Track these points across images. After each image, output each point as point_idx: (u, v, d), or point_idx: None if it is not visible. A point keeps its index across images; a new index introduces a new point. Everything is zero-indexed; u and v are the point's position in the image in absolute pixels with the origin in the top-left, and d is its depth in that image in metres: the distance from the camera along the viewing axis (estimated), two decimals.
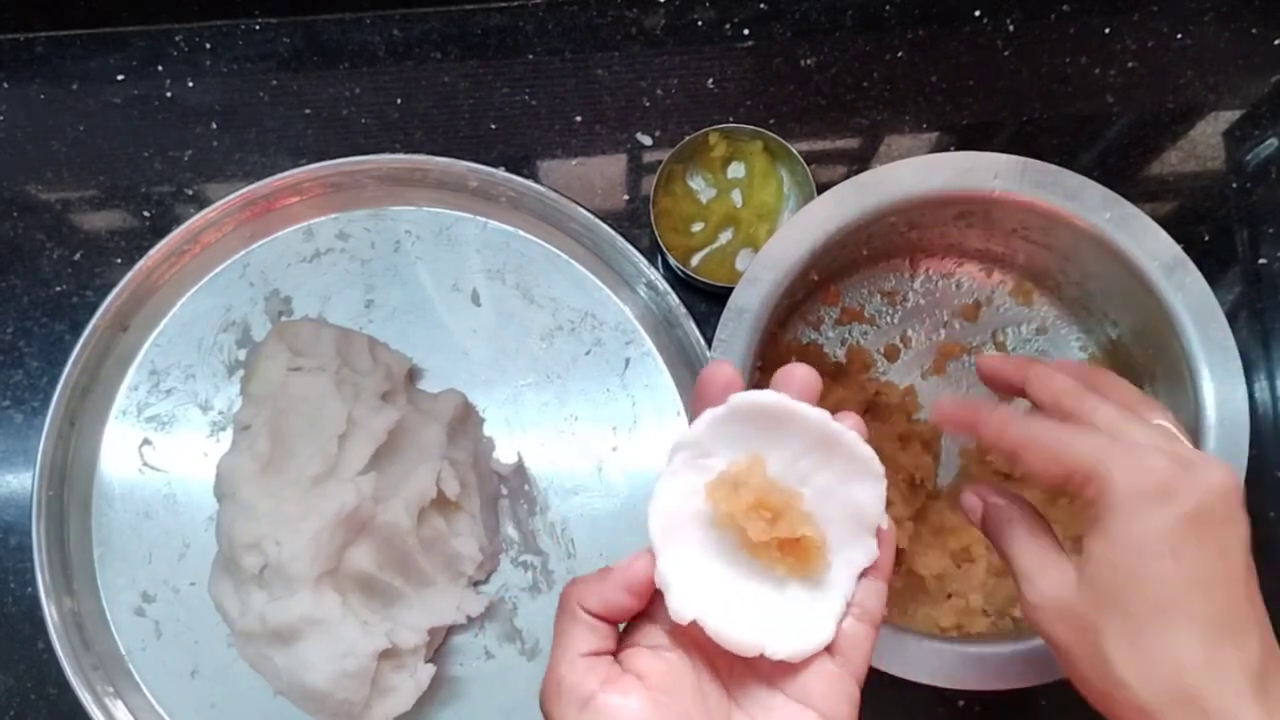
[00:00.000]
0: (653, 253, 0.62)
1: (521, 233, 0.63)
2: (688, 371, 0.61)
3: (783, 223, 0.63)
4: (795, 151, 0.61)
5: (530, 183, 0.61)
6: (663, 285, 0.60)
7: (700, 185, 0.64)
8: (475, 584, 0.59)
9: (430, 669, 0.55)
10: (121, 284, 0.60)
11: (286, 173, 0.61)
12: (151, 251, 0.60)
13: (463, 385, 0.61)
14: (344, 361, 0.57)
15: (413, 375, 0.61)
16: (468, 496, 0.58)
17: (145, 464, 0.60)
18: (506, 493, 0.61)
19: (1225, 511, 0.36)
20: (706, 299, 0.62)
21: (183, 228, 0.60)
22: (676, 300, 0.60)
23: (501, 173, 0.61)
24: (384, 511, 0.54)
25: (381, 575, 0.54)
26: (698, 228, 0.63)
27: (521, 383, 0.62)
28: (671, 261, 0.60)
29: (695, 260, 0.63)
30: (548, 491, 0.60)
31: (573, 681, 0.34)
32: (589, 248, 0.62)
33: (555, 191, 0.61)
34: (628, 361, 0.62)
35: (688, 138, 0.61)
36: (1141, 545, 0.34)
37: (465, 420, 0.60)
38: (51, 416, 0.58)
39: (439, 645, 0.58)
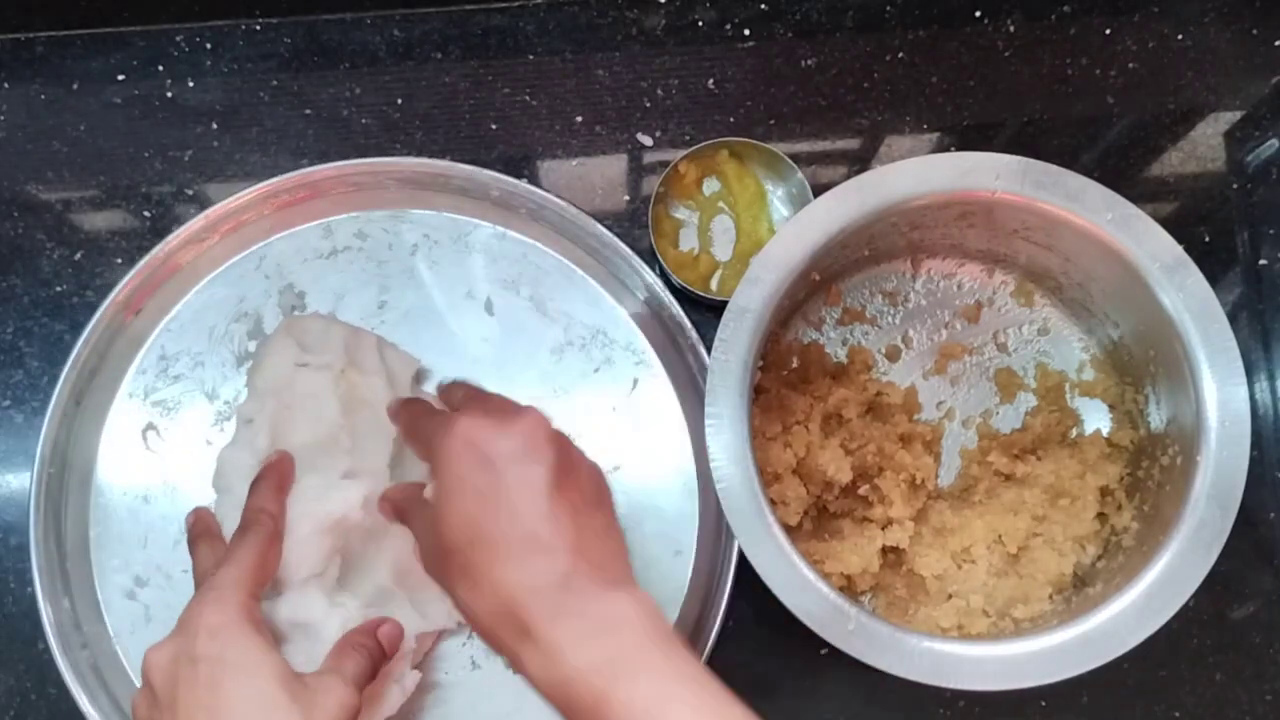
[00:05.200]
0: (665, 273, 0.62)
1: (539, 245, 0.62)
2: (694, 395, 0.60)
3: (776, 212, 0.63)
4: (759, 144, 0.61)
5: (550, 195, 0.61)
6: (677, 309, 0.59)
7: (684, 214, 0.64)
8: None
9: (416, 675, 0.54)
10: (139, 266, 0.59)
11: (310, 169, 0.61)
12: (169, 238, 0.60)
13: None
14: (351, 360, 0.57)
15: (420, 378, 0.61)
16: None
17: (148, 448, 0.60)
18: None
19: (522, 453, 0.42)
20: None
21: (200, 217, 0.60)
22: (689, 324, 0.59)
23: (524, 184, 0.61)
24: (380, 516, 0.54)
25: (374, 579, 0.54)
26: (702, 256, 0.63)
27: (528, 395, 0.60)
28: (692, 292, 0.60)
29: (714, 284, 0.63)
30: None
31: None
32: (605, 265, 0.62)
33: (575, 206, 0.60)
34: (635, 382, 0.61)
35: (660, 176, 0.61)
36: (455, 488, 0.40)
37: None
38: (58, 394, 0.58)
39: (428, 650, 0.58)
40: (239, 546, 0.50)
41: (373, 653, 0.50)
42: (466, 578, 0.43)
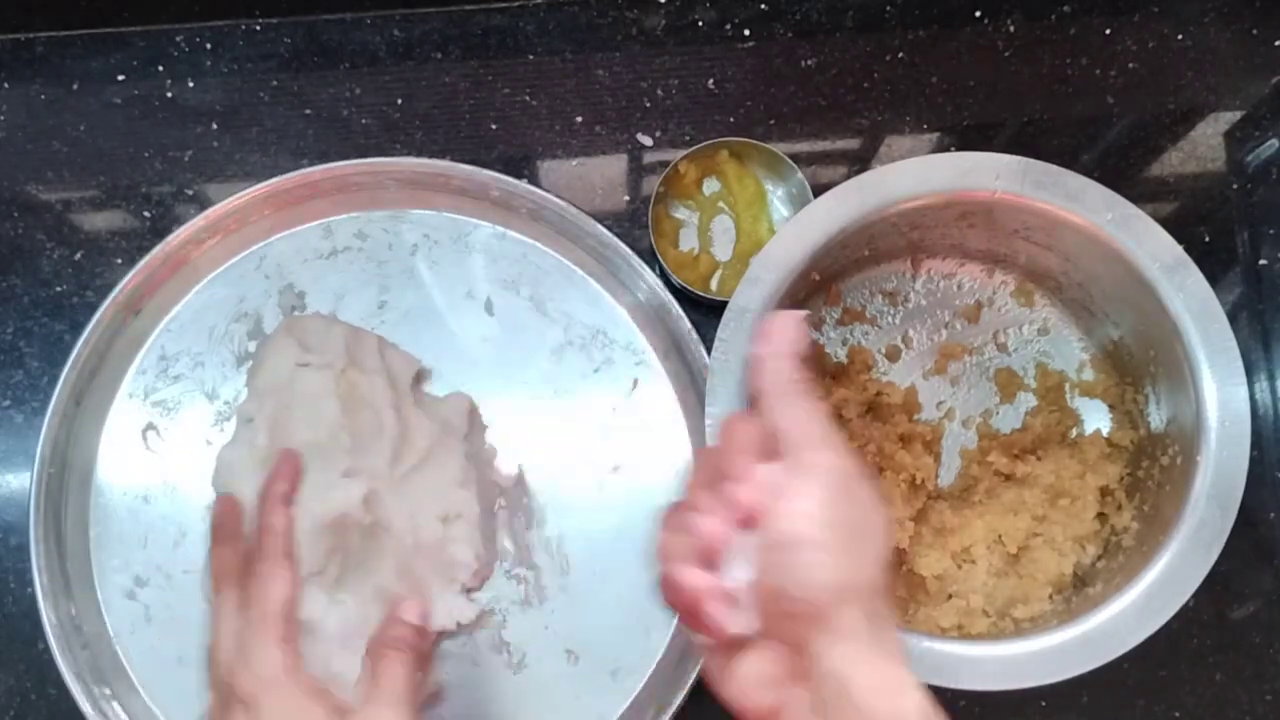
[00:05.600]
0: (665, 273, 0.62)
1: (539, 245, 0.62)
2: (694, 395, 0.60)
3: (776, 212, 0.63)
4: (759, 144, 0.61)
5: (551, 196, 0.60)
6: (676, 309, 0.59)
7: (684, 214, 0.64)
8: (468, 591, 0.58)
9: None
10: (139, 266, 0.59)
11: (310, 169, 0.61)
12: (169, 238, 0.60)
13: (469, 393, 0.60)
14: (352, 360, 0.57)
15: (420, 378, 0.61)
16: (468, 503, 0.57)
17: (148, 448, 0.60)
18: (505, 504, 0.60)
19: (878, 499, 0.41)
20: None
21: (200, 217, 0.60)
22: (689, 325, 0.59)
23: (524, 184, 0.60)
24: (381, 515, 0.54)
25: (374, 578, 0.54)
26: (702, 256, 0.63)
27: (528, 395, 0.61)
28: (692, 292, 0.60)
29: (714, 284, 0.63)
30: (546, 507, 0.60)
31: None
32: (605, 265, 0.62)
33: (575, 207, 0.60)
34: (635, 382, 0.61)
35: (659, 176, 0.61)
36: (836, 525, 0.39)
37: (470, 426, 0.59)
38: (58, 394, 0.58)
39: (427, 650, 0.57)
40: (262, 588, 0.51)
41: (409, 640, 0.50)
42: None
